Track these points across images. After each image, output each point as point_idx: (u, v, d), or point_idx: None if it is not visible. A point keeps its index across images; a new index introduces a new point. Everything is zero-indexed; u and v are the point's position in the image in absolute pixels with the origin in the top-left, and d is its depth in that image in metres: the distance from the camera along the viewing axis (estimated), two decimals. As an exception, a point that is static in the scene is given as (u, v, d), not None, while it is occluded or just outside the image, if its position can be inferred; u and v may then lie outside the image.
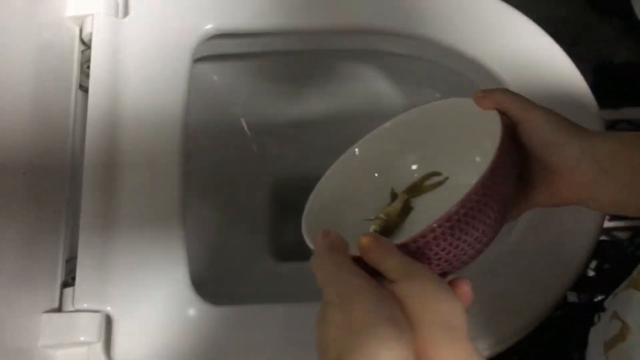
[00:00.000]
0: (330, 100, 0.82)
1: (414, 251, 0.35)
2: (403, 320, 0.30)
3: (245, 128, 0.85)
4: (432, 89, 0.78)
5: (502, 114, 0.39)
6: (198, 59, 0.66)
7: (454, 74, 0.69)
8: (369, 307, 0.30)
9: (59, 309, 0.54)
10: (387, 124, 0.45)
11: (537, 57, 0.62)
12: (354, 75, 0.79)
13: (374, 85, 0.80)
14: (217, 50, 0.69)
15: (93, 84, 0.59)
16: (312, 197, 0.45)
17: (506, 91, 0.40)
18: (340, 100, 0.82)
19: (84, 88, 0.63)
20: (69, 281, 0.56)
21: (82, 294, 0.52)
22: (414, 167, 0.46)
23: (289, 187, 0.90)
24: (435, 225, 0.34)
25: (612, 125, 1.05)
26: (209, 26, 0.64)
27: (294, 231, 0.90)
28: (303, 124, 0.86)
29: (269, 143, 0.87)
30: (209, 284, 0.64)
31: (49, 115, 0.59)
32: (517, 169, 0.39)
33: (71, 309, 0.53)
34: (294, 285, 0.82)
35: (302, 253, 0.87)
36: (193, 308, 0.54)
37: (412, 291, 0.31)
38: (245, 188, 0.87)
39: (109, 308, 0.53)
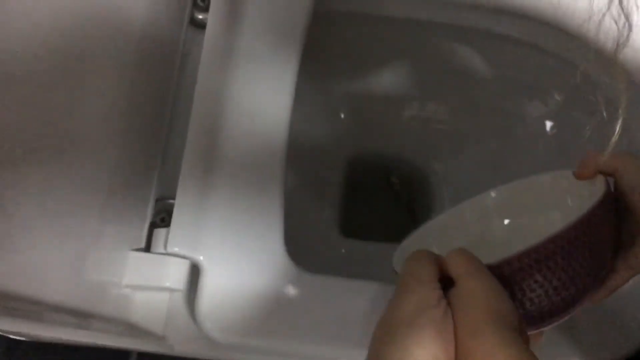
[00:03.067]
0: (428, 81, 0.78)
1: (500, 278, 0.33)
2: (446, 322, 0.29)
3: (334, 96, 0.81)
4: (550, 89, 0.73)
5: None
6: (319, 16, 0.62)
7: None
8: (412, 304, 0.30)
9: (146, 249, 0.50)
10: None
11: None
12: (459, 58, 0.75)
13: (486, 78, 0.75)
14: (337, 7, 0.65)
15: (212, 19, 0.55)
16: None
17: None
18: (442, 91, 0.78)
19: (195, 23, 0.59)
20: (156, 222, 0.53)
21: (176, 237, 0.49)
22: (505, 221, 0.48)
23: (363, 166, 0.87)
24: (523, 253, 0.33)
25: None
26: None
27: (361, 210, 0.88)
28: (392, 100, 0.82)
29: (352, 114, 0.83)
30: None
31: (158, 46, 0.56)
32: (613, 234, 0.38)
33: (161, 251, 0.49)
34: (357, 262, 0.79)
35: (367, 233, 0.84)
36: (286, 273, 0.50)
37: (468, 285, 0.31)
38: (322, 160, 0.83)
39: (201, 257, 0.49)
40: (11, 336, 0.52)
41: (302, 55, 0.57)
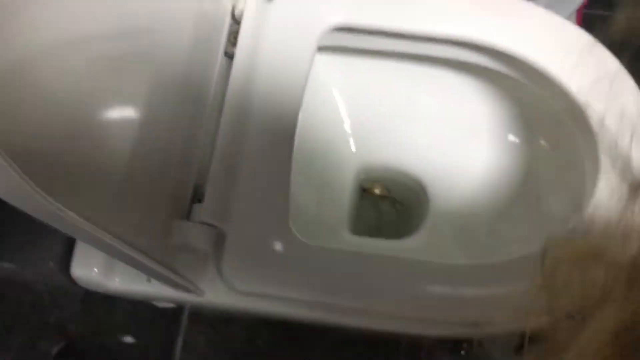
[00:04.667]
0: (425, 102, 0.93)
1: None
2: None
3: (342, 113, 0.98)
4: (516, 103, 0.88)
5: None
6: (322, 48, 0.79)
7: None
8: None
9: (187, 219, 0.68)
10: None
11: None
12: (450, 90, 0.90)
13: (466, 101, 0.90)
14: (339, 42, 0.81)
15: (238, 53, 0.73)
16: None
17: None
18: (432, 112, 0.93)
19: (227, 55, 0.77)
20: (195, 202, 0.70)
21: (207, 210, 0.66)
22: None
23: (371, 174, 1.02)
24: None
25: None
26: (336, 19, 0.76)
27: (370, 211, 1.03)
28: (396, 119, 0.98)
29: (363, 132, 0.99)
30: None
31: (198, 69, 0.74)
32: None
33: (197, 220, 0.66)
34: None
35: (374, 231, 0.99)
36: (288, 238, 0.66)
37: None
38: (334, 166, 0.99)
39: (226, 226, 0.66)
40: (87, 288, 0.70)
41: (309, 71, 0.74)
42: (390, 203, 1.04)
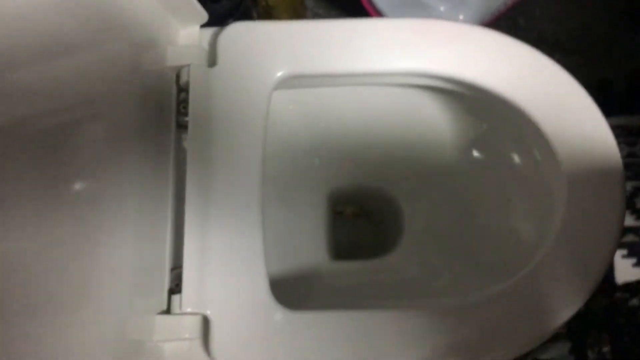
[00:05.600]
0: (386, 127, 0.93)
1: None
2: None
3: (308, 143, 0.97)
4: (477, 120, 0.88)
5: None
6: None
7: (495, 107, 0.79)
8: None
9: (167, 311, 0.68)
10: None
11: (567, 104, 0.72)
12: (409, 106, 0.90)
13: (427, 116, 0.90)
14: (290, 84, 0.79)
15: (192, 121, 0.72)
16: None
17: None
18: (393, 128, 0.93)
19: (180, 125, 0.75)
20: (173, 288, 0.70)
21: (187, 300, 0.66)
22: None
23: (343, 196, 1.02)
24: None
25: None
26: (280, 73, 0.75)
27: (346, 234, 1.04)
28: (357, 137, 0.97)
29: (328, 157, 0.98)
30: (275, 281, 0.76)
31: (154, 146, 0.72)
32: None
33: (178, 312, 0.66)
34: (347, 280, 0.95)
35: (354, 253, 1.00)
36: (273, 314, 0.67)
37: None
38: (305, 195, 0.99)
39: (208, 312, 0.66)
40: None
41: (265, 121, 0.73)
42: (367, 220, 1.05)
